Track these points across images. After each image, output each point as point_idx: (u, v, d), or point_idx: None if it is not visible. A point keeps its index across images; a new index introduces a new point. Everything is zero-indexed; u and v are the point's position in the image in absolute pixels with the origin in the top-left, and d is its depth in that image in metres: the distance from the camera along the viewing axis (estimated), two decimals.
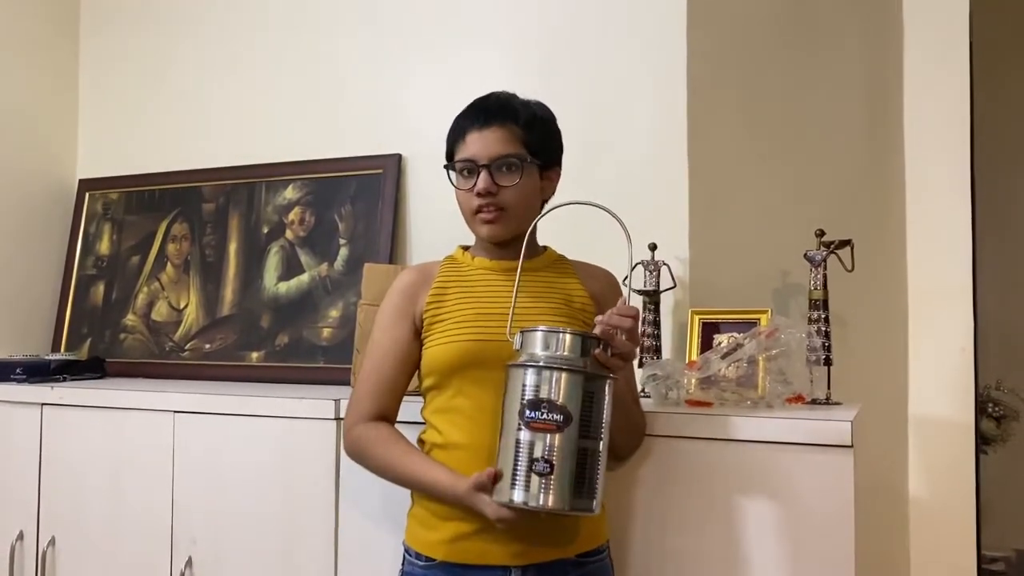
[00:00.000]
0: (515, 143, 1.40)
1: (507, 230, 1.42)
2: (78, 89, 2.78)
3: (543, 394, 1.19)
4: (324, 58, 2.42)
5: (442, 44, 2.27)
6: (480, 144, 1.39)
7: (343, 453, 1.68)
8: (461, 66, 2.22)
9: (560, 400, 1.19)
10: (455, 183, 1.43)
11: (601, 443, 1.22)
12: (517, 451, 1.20)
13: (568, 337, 1.23)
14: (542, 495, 1.18)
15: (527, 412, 1.19)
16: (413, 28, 2.30)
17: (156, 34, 2.66)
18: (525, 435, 1.19)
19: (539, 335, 1.24)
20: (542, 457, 1.18)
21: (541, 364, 1.21)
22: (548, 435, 1.18)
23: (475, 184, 1.39)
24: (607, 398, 1.23)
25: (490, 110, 1.42)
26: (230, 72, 2.54)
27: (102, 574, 1.94)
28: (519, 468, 1.19)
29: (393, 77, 2.32)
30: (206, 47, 2.58)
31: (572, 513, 1.22)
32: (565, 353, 1.22)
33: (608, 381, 1.23)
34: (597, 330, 1.25)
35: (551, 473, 1.18)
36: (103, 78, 2.75)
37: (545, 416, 1.18)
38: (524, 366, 1.22)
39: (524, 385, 1.21)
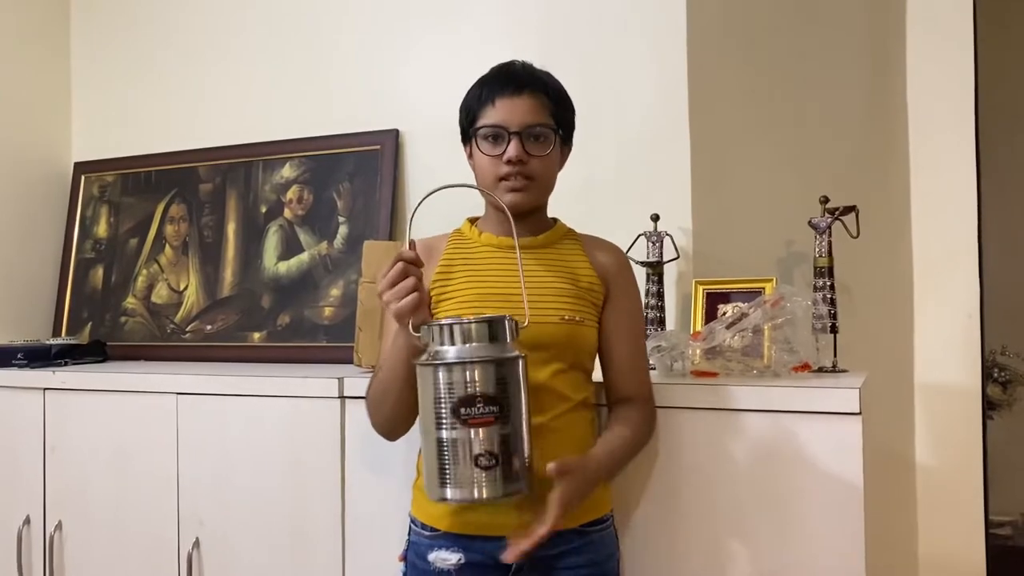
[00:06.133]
0: (545, 114, 1.38)
1: (531, 200, 1.40)
2: (70, 71, 2.75)
3: (472, 389, 1.16)
4: (319, 34, 2.38)
5: (439, 18, 2.23)
6: (512, 111, 1.36)
7: (349, 430, 1.70)
8: (458, 40, 2.19)
9: (492, 392, 1.16)
10: (480, 149, 1.38)
11: (523, 422, 1.20)
12: (452, 449, 1.16)
13: (474, 327, 1.19)
14: (483, 487, 1.16)
15: (462, 410, 1.16)
16: (409, 2, 2.27)
17: (148, 13, 2.63)
18: (460, 432, 1.16)
19: (454, 328, 1.20)
20: (487, 452, 1.15)
21: (467, 359, 1.17)
22: (486, 428, 1.16)
23: (504, 151, 1.36)
24: (522, 378, 1.21)
25: (522, 77, 1.39)
26: (224, 50, 2.51)
27: (110, 557, 1.95)
28: (457, 465, 1.16)
29: (389, 52, 2.29)
30: (199, 25, 2.55)
31: (504, 499, 1.19)
32: (483, 342, 1.18)
33: (520, 360, 1.21)
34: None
35: (496, 465, 1.16)
36: (95, 59, 2.71)
37: (482, 410, 1.15)
38: (447, 364, 1.17)
39: (450, 382, 1.16)
